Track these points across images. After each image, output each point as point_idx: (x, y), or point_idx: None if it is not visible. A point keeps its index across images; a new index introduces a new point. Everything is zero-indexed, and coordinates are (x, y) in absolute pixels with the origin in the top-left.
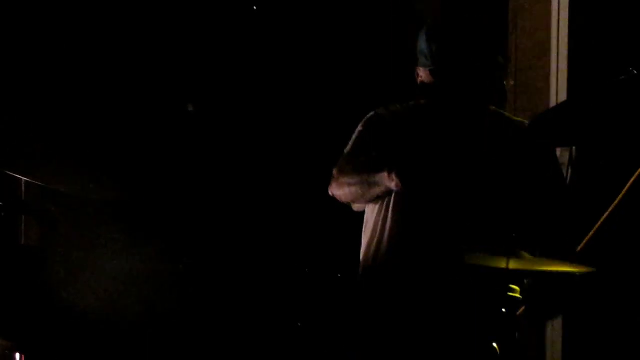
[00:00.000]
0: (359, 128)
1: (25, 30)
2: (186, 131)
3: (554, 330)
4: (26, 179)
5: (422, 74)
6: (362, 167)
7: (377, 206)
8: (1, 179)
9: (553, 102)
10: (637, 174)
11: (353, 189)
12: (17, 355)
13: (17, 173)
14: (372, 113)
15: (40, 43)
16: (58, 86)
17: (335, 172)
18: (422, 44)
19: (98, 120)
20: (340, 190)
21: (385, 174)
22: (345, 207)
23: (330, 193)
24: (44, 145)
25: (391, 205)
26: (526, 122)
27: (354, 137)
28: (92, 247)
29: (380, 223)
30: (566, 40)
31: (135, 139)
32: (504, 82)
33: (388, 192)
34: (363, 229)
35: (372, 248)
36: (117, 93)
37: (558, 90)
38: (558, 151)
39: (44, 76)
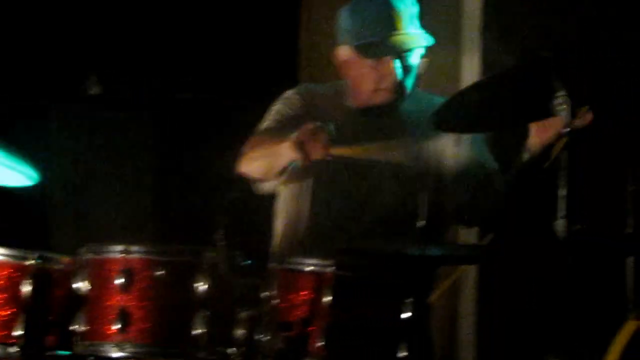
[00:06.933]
0: (273, 105)
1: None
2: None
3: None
4: None
5: (343, 53)
6: (270, 140)
7: (294, 191)
8: None
9: (465, 83)
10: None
11: (260, 162)
12: None
13: None
14: (288, 91)
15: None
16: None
17: (244, 148)
18: (345, 22)
19: None
20: (248, 166)
21: (288, 143)
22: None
23: (239, 171)
24: None
25: (310, 190)
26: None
27: (266, 114)
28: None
29: (296, 209)
30: (478, 20)
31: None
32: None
33: (304, 172)
34: (275, 218)
35: (288, 235)
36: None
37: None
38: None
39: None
